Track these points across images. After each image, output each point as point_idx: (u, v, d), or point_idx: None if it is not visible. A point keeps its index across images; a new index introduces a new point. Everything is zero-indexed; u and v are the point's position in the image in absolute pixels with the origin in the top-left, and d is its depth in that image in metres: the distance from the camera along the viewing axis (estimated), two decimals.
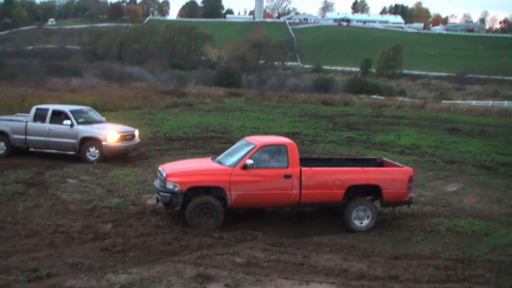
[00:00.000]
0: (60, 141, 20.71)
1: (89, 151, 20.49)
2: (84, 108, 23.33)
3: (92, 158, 20.43)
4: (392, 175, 13.88)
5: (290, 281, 10.04)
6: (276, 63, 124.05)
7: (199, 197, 13.02)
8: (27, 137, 21.03)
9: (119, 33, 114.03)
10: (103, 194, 15.90)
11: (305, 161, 14.64)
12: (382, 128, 35.23)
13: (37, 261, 10.38)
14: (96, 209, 14.19)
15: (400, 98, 69.46)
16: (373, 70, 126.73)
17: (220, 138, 27.80)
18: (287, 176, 13.21)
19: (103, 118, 22.74)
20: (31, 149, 21.29)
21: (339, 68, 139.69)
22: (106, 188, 16.56)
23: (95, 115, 22.65)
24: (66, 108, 21.68)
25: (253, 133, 30.21)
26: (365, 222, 13.56)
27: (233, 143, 25.59)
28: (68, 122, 20.50)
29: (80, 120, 21.13)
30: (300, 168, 13.31)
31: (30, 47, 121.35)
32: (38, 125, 20.96)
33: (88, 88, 50.40)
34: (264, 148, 13.55)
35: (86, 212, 13.96)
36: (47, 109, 21.32)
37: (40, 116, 21.11)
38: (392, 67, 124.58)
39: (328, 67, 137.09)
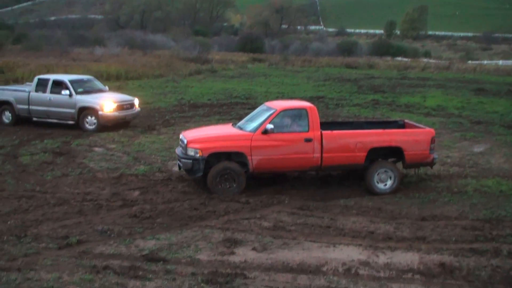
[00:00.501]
0: (60, 111, 20.92)
1: (86, 120, 20.67)
2: (85, 77, 23.36)
3: (90, 128, 20.58)
4: (414, 137, 13.77)
5: (317, 244, 10.08)
6: (299, 27, 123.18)
7: (221, 163, 13.04)
8: (30, 107, 21.33)
9: (141, 1, 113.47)
10: (130, 162, 16.03)
11: (327, 125, 14.59)
12: (407, 90, 34.90)
13: (67, 228, 10.54)
14: (123, 177, 14.32)
15: (425, 60, 68.58)
16: (398, 32, 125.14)
17: (244, 104, 27.76)
18: (308, 140, 13.17)
19: (106, 88, 22.74)
20: (34, 119, 21.57)
21: (363, 30, 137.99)
22: (132, 156, 16.68)
23: (96, 84, 22.73)
24: (65, 78, 21.81)
25: (277, 98, 30.14)
26: (388, 184, 13.52)
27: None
28: (66, 92, 20.64)
29: (79, 90, 21.19)
30: (321, 132, 13.26)
31: (53, 18, 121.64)
32: (40, 95, 21.20)
33: (112, 57, 50.48)
34: (284, 112, 13.52)
35: (113, 180, 14.10)
36: (48, 79, 21.55)
37: (41, 86, 21.36)
38: (416, 29, 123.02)
39: (352, 30, 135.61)
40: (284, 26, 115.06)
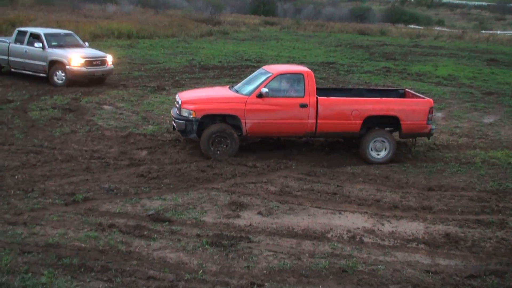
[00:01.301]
0: (33, 63, 21.09)
1: (56, 74, 20.71)
2: (62, 32, 23.36)
3: (59, 82, 20.64)
4: (411, 106, 13.52)
5: (323, 210, 10.09)
6: None
7: (213, 125, 12.99)
8: (9, 57, 21.65)
9: None
10: (138, 121, 16.02)
11: (325, 91, 14.51)
12: (419, 58, 34.68)
13: (73, 185, 10.58)
14: (131, 136, 14.32)
15: (438, 28, 67.99)
16: None
17: (255, 67, 27.49)
18: (303, 106, 13.06)
19: (85, 44, 22.64)
20: (12, 70, 21.88)
21: None
22: (141, 115, 16.67)
23: (74, 40, 22.65)
24: (41, 31, 21.87)
25: (287, 62, 30.00)
26: (383, 153, 13.44)
27: None
28: (39, 44, 20.76)
29: (54, 43, 21.29)
30: (316, 98, 13.15)
31: None
32: (18, 46, 21.47)
33: (124, 15, 50.20)
34: (281, 76, 13.37)
35: (122, 139, 14.10)
36: (26, 32, 21.74)
37: (20, 38, 21.59)
38: None
39: None
40: None
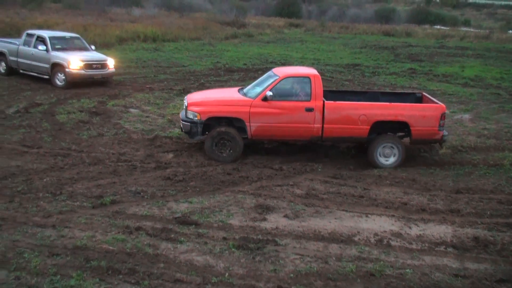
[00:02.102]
0: (39, 65, 21.46)
1: (57, 76, 20.94)
2: (67, 35, 23.67)
3: (59, 84, 20.88)
4: (422, 112, 13.17)
5: (349, 213, 10.05)
6: None
7: (218, 127, 13.01)
8: (18, 59, 22.14)
9: None
10: (164, 124, 16.09)
11: (339, 94, 14.47)
12: (445, 59, 34.41)
13: (101, 188, 10.66)
14: (157, 139, 14.39)
15: (464, 29, 67.37)
16: (437, 0, 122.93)
17: None
18: (309, 110, 12.95)
19: (91, 47, 22.83)
20: (21, 71, 22.29)
21: None
22: (167, 118, 16.73)
23: (80, 43, 22.88)
24: (47, 34, 22.19)
25: (312, 64, 29.94)
26: (391, 159, 13.21)
27: None
28: (43, 47, 21.07)
29: (58, 46, 21.59)
30: (323, 102, 13.03)
31: None
32: (26, 48, 21.91)
33: (149, 18, 50.44)
34: (287, 80, 13.28)
35: (148, 142, 14.18)
36: (33, 34, 22.13)
37: (28, 41, 22.03)
38: None
39: None
40: None
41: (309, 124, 12.99)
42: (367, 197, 10.87)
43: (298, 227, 9.33)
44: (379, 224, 9.63)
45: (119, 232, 8.73)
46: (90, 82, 21.15)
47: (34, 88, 20.48)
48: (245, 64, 29.29)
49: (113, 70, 22.04)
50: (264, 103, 12.90)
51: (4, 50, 22.63)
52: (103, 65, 21.45)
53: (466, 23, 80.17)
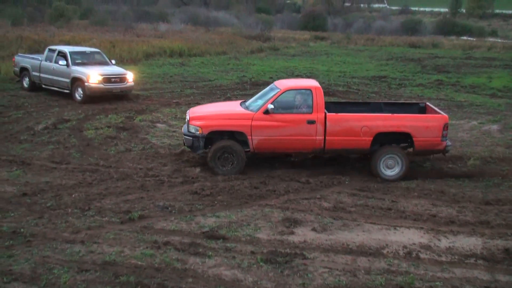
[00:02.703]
0: (60, 80, 21.74)
1: (77, 90, 21.15)
2: (88, 50, 24.04)
3: (79, 98, 21.09)
4: (424, 123, 13.10)
5: (378, 226, 9.99)
6: (362, 5, 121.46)
7: (220, 141, 13.00)
8: (40, 74, 22.48)
9: None
10: None
11: (342, 105, 14.49)
12: (473, 70, 34.15)
13: (129, 203, 10.72)
14: (184, 153, 14.44)
15: (491, 39, 66.83)
16: (463, 10, 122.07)
17: None
18: (311, 122, 12.90)
19: (111, 62, 23.03)
20: (43, 86, 22.65)
21: (427, 8, 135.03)
22: None
23: (100, 58, 23.09)
24: (68, 49, 22.47)
25: (339, 77, 29.93)
26: (396, 170, 13.07)
27: None
28: (64, 62, 21.30)
29: (78, 61, 21.81)
30: (325, 114, 12.97)
31: None
32: (47, 64, 22.27)
33: (175, 33, 50.82)
34: (288, 92, 13.27)
35: (175, 156, 14.25)
36: (55, 50, 22.46)
37: (50, 56, 22.35)
38: (483, 7, 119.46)
39: (416, 8, 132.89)
40: (347, 4, 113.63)
41: (311, 137, 12.97)
42: (395, 210, 10.80)
43: (326, 240, 9.29)
44: (408, 236, 9.56)
45: (147, 247, 8.76)
46: (109, 96, 21.37)
47: (62, 104, 20.72)
48: (271, 78, 29.29)
49: (132, 84, 22.21)
50: (266, 116, 12.89)
51: (28, 65, 23.06)
52: (122, 79, 21.63)
53: (493, 33, 79.44)
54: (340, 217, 10.35)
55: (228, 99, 22.75)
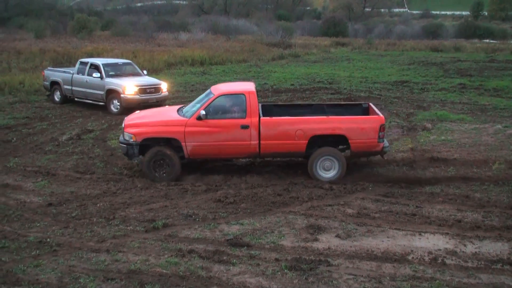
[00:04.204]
0: (94, 92, 21.86)
1: (113, 102, 21.32)
2: (120, 61, 24.13)
3: (115, 110, 21.21)
4: (359, 124, 12.97)
5: (402, 232, 9.93)
6: (382, 10, 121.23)
7: (153, 148, 12.99)
8: (73, 87, 22.57)
9: None
10: None
11: (284, 108, 14.56)
12: (496, 73, 33.92)
13: (153, 212, 10.77)
14: (207, 162, 14.46)
15: None
16: (485, 13, 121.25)
17: (327, 89, 27.59)
18: (245, 127, 12.85)
19: (143, 72, 23.20)
20: (76, 99, 22.79)
21: (448, 12, 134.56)
22: None
23: (132, 69, 23.28)
24: (100, 61, 22.54)
25: (360, 83, 29.85)
26: (333, 172, 13.02)
27: (340, 93, 25.56)
28: (97, 74, 21.39)
29: (111, 73, 21.91)
30: (259, 118, 12.93)
31: (139, 4, 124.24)
32: (80, 77, 22.36)
33: (196, 42, 51.12)
34: (222, 97, 13.22)
35: (198, 164, 14.27)
36: (87, 63, 22.58)
37: (82, 69, 22.44)
38: (505, 9, 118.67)
39: (437, 12, 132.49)
40: (367, 9, 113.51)
41: (245, 141, 12.93)
42: (419, 215, 10.72)
43: (351, 246, 9.26)
44: (433, 242, 9.49)
45: (172, 256, 8.80)
46: (144, 106, 21.38)
47: (85, 115, 20.92)
48: (292, 85, 29.34)
49: (167, 93, 22.37)
50: (199, 122, 12.88)
51: (59, 79, 23.13)
52: (156, 89, 21.76)
53: None
54: (364, 223, 10.30)
55: None
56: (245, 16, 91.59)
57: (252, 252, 8.97)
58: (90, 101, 22.15)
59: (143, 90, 21.27)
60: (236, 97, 13.20)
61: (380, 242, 9.44)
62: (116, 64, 23.14)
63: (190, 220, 10.35)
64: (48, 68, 25.70)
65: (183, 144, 12.93)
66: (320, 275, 8.18)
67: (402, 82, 30.19)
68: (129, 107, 20.83)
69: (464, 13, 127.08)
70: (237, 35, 61.94)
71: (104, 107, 21.57)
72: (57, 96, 23.40)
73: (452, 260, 8.78)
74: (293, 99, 24.42)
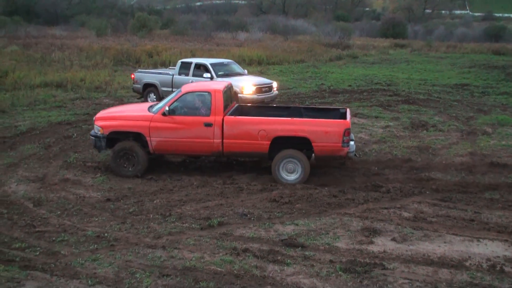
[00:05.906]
0: None
1: None
2: (225, 61, 23.88)
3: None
4: (323, 127, 12.69)
5: (460, 237, 9.75)
6: (443, 12, 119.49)
7: (120, 142, 13.16)
8: (173, 89, 21.76)
9: None
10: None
11: (260, 110, 14.48)
12: None
13: (208, 210, 10.86)
14: (263, 161, 14.46)
15: None
16: None
17: (385, 91, 27.31)
18: (208, 125, 12.85)
19: (245, 71, 23.11)
20: None
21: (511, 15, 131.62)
22: None
23: (235, 68, 23.11)
24: (207, 61, 22.28)
25: (419, 85, 29.49)
26: (296, 175, 12.81)
27: (398, 95, 25.27)
28: (208, 75, 21.03)
29: (220, 73, 21.61)
30: (223, 117, 12.88)
31: (198, 3, 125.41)
32: (183, 78, 21.81)
33: (254, 42, 51.28)
34: (188, 95, 13.28)
35: (253, 164, 14.31)
36: (190, 63, 22.25)
37: (184, 70, 22.11)
38: None
39: (500, 14, 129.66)
40: (427, 11, 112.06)
41: (208, 139, 12.95)
42: (478, 221, 10.51)
43: (406, 250, 9.15)
44: (492, 249, 9.30)
45: (226, 254, 8.85)
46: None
47: None
48: (349, 86, 29.16)
49: (277, 92, 22.34)
50: (165, 118, 12.97)
51: (155, 81, 22.70)
52: (269, 88, 21.64)
53: None
54: (421, 227, 10.16)
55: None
56: (304, 17, 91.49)
57: (307, 253, 8.95)
58: None
59: (260, 89, 21.08)
60: (202, 95, 13.32)
61: (436, 247, 9.30)
62: (222, 64, 22.94)
63: (245, 219, 10.39)
64: (138, 70, 25.25)
65: (148, 139, 13.15)
66: (375, 279, 8.11)
67: (462, 85, 29.68)
68: None
69: None
70: (295, 35, 61.89)
71: None
72: (150, 99, 22.76)
73: (511, 268, 8.59)
74: (350, 101, 24.27)
